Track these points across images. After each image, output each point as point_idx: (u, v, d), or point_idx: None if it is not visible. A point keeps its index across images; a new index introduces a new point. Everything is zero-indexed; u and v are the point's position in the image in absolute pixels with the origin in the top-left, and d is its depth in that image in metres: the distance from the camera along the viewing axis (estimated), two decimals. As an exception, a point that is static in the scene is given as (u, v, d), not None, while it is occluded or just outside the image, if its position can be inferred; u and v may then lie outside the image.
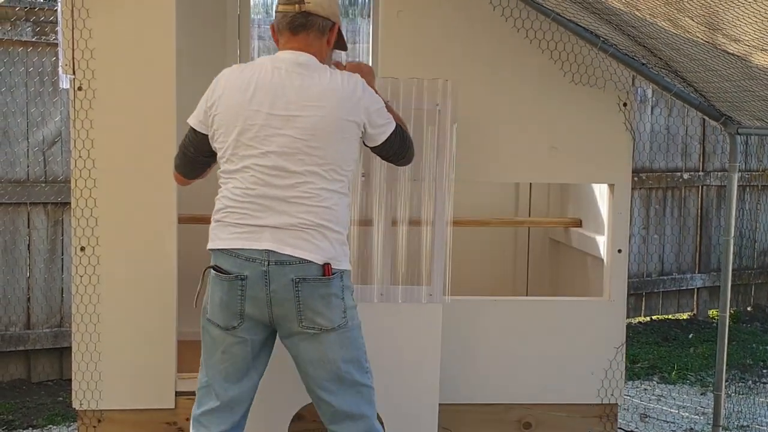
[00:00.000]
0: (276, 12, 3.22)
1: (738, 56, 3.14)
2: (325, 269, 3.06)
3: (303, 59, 3.12)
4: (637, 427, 5.18)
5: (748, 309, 8.08)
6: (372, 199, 3.90)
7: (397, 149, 3.33)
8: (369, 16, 4.01)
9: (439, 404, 4.11)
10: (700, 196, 7.96)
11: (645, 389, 5.95)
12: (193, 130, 3.20)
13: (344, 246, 3.17)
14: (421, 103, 3.86)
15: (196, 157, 3.25)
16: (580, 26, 3.93)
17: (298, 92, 3.07)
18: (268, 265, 3.03)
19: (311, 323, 3.07)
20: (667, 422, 5.32)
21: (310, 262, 3.04)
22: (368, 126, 3.17)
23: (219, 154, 3.16)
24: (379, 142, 3.25)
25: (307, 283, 3.04)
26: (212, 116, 3.13)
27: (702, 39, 3.13)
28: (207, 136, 3.16)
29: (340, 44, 3.36)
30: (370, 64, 3.86)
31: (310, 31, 3.15)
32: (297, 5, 3.13)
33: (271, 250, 3.02)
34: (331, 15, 3.19)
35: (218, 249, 3.11)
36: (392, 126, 3.25)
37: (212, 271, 3.12)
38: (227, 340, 3.14)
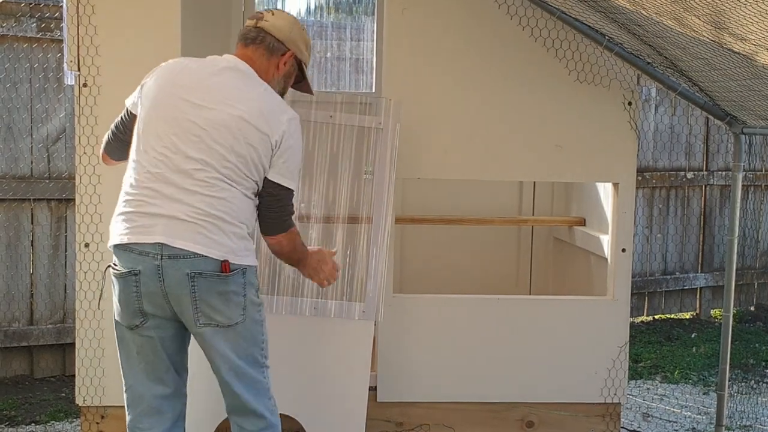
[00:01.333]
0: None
1: (744, 55, 3.13)
2: (223, 266, 2.97)
3: (242, 66, 3.16)
4: (639, 427, 5.17)
5: (751, 309, 8.07)
6: (309, 207, 3.86)
7: (277, 206, 3.18)
8: (373, 14, 3.99)
9: (441, 402, 4.13)
10: (703, 195, 7.95)
11: (648, 389, 5.94)
12: (126, 110, 3.20)
13: (245, 240, 3.07)
14: (363, 121, 3.85)
15: (125, 137, 3.20)
16: (586, 24, 3.93)
17: (221, 89, 3.07)
18: (161, 259, 2.95)
19: (208, 320, 3.01)
20: (670, 422, 5.31)
21: (206, 256, 2.96)
22: (275, 153, 3.10)
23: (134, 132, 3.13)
24: (271, 179, 3.13)
25: (204, 278, 2.96)
26: (141, 95, 3.13)
27: (708, 38, 3.13)
28: (137, 116, 3.15)
29: (304, 86, 3.41)
30: (375, 62, 3.85)
31: (258, 46, 3.20)
32: (255, 20, 3.23)
33: (164, 244, 2.94)
34: (287, 41, 3.23)
35: (114, 245, 3.04)
36: (288, 185, 3.16)
37: (110, 269, 3.07)
38: (136, 339, 3.09)
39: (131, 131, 3.14)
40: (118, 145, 3.25)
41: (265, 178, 3.12)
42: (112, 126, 3.26)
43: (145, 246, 2.96)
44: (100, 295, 3.18)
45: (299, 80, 3.39)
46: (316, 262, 3.37)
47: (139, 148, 3.05)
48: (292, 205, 3.24)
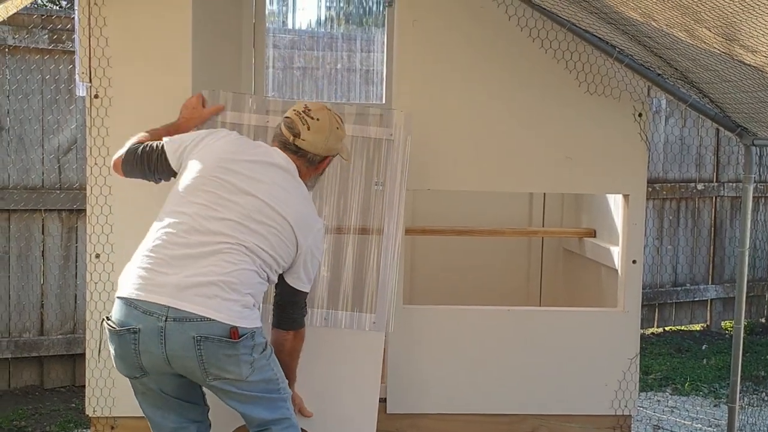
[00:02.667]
0: (283, 118, 3.36)
1: (755, 67, 3.12)
2: (232, 332, 2.93)
3: (291, 168, 3.26)
4: (650, 439, 5.16)
5: (762, 320, 8.04)
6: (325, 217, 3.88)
7: (292, 305, 3.31)
8: (383, 25, 4.00)
9: (451, 414, 4.12)
10: (714, 206, 7.93)
11: (658, 400, 5.92)
12: (164, 155, 3.28)
13: (251, 309, 3.05)
14: (374, 132, 3.85)
15: (147, 171, 3.32)
16: (596, 36, 3.93)
17: (269, 184, 3.17)
18: (165, 320, 2.90)
19: (217, 376, 2.99)
20: (681, 434, 5.30)
21: (213, 320, 2.92)
22: (299, 258, 3.21)
23: (178, 180, 3.22)
24: (287, 281, 3.26)
25: (211, 341, 2.92)
26: (187, 158, 3.22)
27: (719, 50, 3.12)
28: (171, 166, 3.27)
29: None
30: (385, 74, 3.86)
31: (299, 158, 3.29)
32: (293, 137, 3.28)
33: (170, 306, 2.91)
34: (325, 152, 3.33)
35: (119, 297, 3.03)
36: (306, 288, 3.30)
37: (105, 323, 3.04)
38: (138, 386, 3.10)
39: (155, 171, 3.30)
40: (138, 170, 3.35)
41: (284, 280, 3.25)
42: (142, 148, 3.32)
43: (151, 305, 2.93)
44: (100, 346, 3.16)
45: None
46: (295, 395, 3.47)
47: (173, 210, 3.10)
48: (306, 305, 3.36)
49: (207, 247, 3.00)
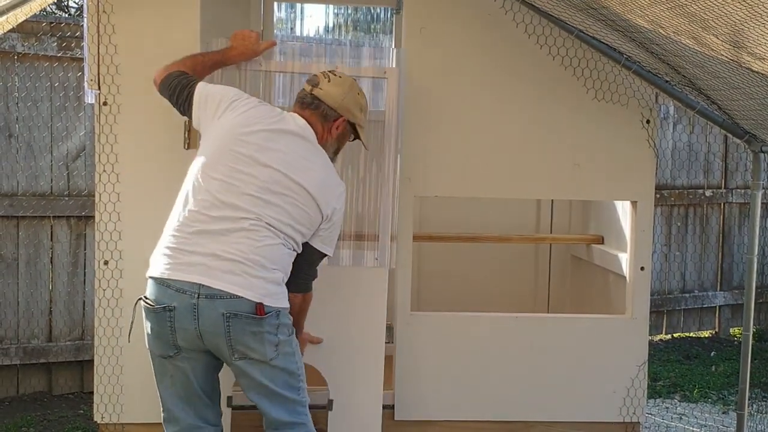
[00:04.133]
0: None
1: (763, 74, 3.12)
2: (258, 308, 3.03)
3: (308, 134, 3.29)
4: (658, 446, 5.15)
5: (771, 327, 8.02)
6: None
7: (308, 269, 3.36)
8: (391, 33, 4.00)
9: (459, 421, 4.12)
10: (722, 213, 7.92)
11: (667, 407, 5.91)
12: (190, 98, 3.34)
13: (280, 286, 3.15)
14: (367, 71, 3.86)
15: (177, 104, 3.41)
16: (604, 43, 3.93)
17: (287, 153, 3.21)
18: (198, 297, 3.01)
19: (243, 355, 3.08)
20: (689, 441, 5.29)
21: (242, 297, 3.02)
22: (324, 223, 3.27)
23: (201, 134, 3.32)
24: (313, 245, 3.31)
25: (238, 318, 3.02)
26: (211, 120, 3.27)
27: (726, 57, 3.12)
28: (191, 114, 3.35)
29: (358, 137, 3.51)
30: (394, 80, 3.86)
31: (314, 111, 3.34)
32: (311, 86, 3.36)
33: (202, 284, 3.01)
34: (340, 108, 3.35)
35: (151, 277, 3.11)
36: (329, 252, 3.37)
37: (142, 302, 3.12)
38: (169, 367, 3.15)
39: (180, 107, 3.37)
40: (167, 97, 3.42)
41: (307, 243, 3.28)
42: (178, 81, 3.39)
43: (183, 284, 3.02)
44: (131, 328, 3.19)
45: (354, 138, 3.51)
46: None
47: (194, 186, 3.15)
48: (317, 270, 3.41)
49: (230, 223, 3.07)
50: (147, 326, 3.12)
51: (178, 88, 3.37)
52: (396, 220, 3.88)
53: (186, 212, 3.11)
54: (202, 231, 3.07)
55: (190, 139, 3.80)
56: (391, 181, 3.82)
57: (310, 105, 3.33)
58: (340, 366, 3.82)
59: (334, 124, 3.35)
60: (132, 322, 3.18)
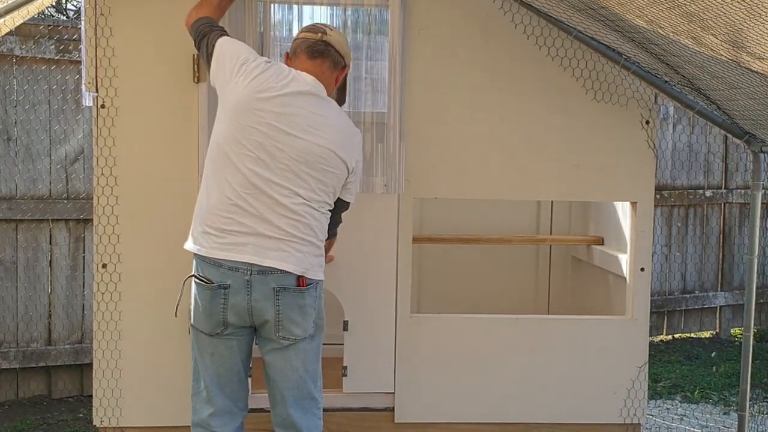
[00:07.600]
0: (295, 39, 3.44)
1: (762, 74, 3.11)
2: (300, 280, 3.20)
3: (320, 91, 3.33)
4: (659, 447, 5.14)
5: (771, 327, 8.02)
6: None
7: (335, 218, 3.46)
8: (387, 34, 4.00)
9: (460, 423, 4.11)
10: (722, 213, 7.91)
11: (668, 408, 5.90)
12: (213, 52, 3.39)
13: (319, 257, 3.31)
14: (369, 1, 3.94)
15: (200, 51, 3.48)
16: (603, 44, 3.92)
17: (305, 116, 3.25)
18: (251, 274, 3.16)
19: (287, 333, 3.22)
20: (691, 442, 5.28)
21: (288, 272, 3.18)
22: (350, 176, 3.38)
23: (222, 94, 3.33)
24: (341, 197, 3.41)
25: (287, 292, 3.19)
26: (225, 85, 3.30)
27: (726, 57, 3.11)
28: (208, 66, 3.41)
29: (342, 96, 3.59)
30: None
31: (325, 59, 3.38)
32: (320, 34, 3.38)
33: (254, 263, 3.15)
34: (345, 56, 3.44)
35: (202, 257, 3.20)
36: (352, 200, 3.49)
37: (194, 279, 3.22)
38: (213, 343, 3.25)
39: (203, 55, 3.44)
40: (194, 41, 3.49)
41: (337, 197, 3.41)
42: (202, 30, 3.45)
43: (235, 263, 3.16)
44: (177, 304, 3.25)
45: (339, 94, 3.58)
46: None
47: (225, 161, 3.21)
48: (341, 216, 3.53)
49: (268, 198, 3.17)
50: (197, 303, 3.23)
51: (200, 37, 3.45)
52: (403, 151, 3.94)
53: (223, 190, 3.19)
54: (244, 209, 3.16)
55: (200, 73, 3.81)
56: (396, 113, 3.92)
57: (322, 53, 3.36)
58: (354, 288, 3.99)
59: (342, 72, 3.44)
60: (180, 296, 3.28)
